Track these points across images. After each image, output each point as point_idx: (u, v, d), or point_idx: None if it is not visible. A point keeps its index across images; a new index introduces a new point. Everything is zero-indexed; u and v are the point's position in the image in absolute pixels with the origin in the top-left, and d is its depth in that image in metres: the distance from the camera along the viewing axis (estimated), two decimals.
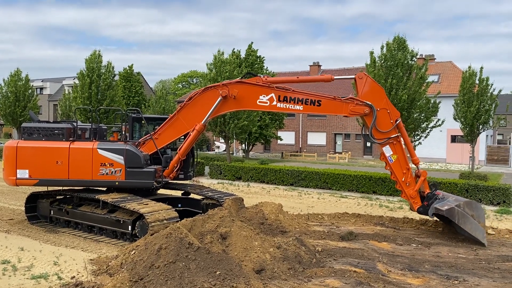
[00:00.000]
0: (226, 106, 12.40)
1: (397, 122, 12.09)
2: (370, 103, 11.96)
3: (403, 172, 12.18)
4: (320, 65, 51.01)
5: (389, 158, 12.17)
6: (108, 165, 11.99)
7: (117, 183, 12.08)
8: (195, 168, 14.16)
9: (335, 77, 12.44)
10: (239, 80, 12.49)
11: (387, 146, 12.16)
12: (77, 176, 12.07)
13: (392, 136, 12.11)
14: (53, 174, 12.10)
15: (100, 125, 13.60)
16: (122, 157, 11.98)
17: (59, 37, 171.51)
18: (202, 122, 12.25)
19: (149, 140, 12.54)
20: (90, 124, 13.28)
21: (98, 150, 12.02)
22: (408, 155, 12.64)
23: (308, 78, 12.74)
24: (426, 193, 12.32)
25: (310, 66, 51.11)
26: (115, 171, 12.00)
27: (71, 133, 12.47)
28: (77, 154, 12.08)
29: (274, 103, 12.10)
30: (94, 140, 12.52)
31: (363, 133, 12.84)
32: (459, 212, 11.38)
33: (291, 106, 12.14)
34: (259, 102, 12.17)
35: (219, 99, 12.08)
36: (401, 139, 12.29)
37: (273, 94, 12.08)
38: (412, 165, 12.58)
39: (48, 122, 13.15)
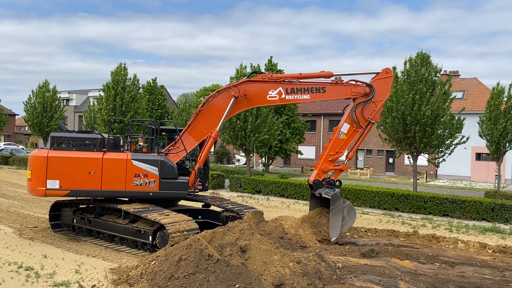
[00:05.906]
0: (239, 106, 13.01)
1: (370, 121, 13.11)
2: (370, 83, 13.06)
3: (336, 150, 13.31)
4: (343, 80, 50.64)
5: (340, 133, 13.26)
6: (142, 176, 12.11)
7: (151, 193, 12.19)
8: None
9: (334, 74, 13.64)
10: (247, 79, 13.01)
11: (348, 125, 13.16)
12: (110, 187, 12.09)
13: (359, 124, 13.08)
14: (85, 185, 12.01)
15: (116, 135, 13.74)
16: (157, 168, 12.13)
17: (89, 50, 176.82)
18: (217, 129, 12.70)
19: (171, 151, 12.70)
20: (122, 135, 13.42)
21: (132, 161, 12.11)
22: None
23: (309, 74, 13.61)
24: (331, 179, 13.47)
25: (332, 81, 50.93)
26: (149, 182, 12.14)
27: (102, 143, 12.54)
28: (111, 165, 12.08)
29: (283, 96, 12.86)
30: (125, 151, 12.63)
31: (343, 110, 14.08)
32: (340, 205, 12.53)
33: (299, 97, 13.01)
34: (269, 97, 12.88)
35: (232, 100, 12.54)
36: (359, 134, 13.25)
37: (280, 88, 12.83)
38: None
39: (74, 132, 13.31)
